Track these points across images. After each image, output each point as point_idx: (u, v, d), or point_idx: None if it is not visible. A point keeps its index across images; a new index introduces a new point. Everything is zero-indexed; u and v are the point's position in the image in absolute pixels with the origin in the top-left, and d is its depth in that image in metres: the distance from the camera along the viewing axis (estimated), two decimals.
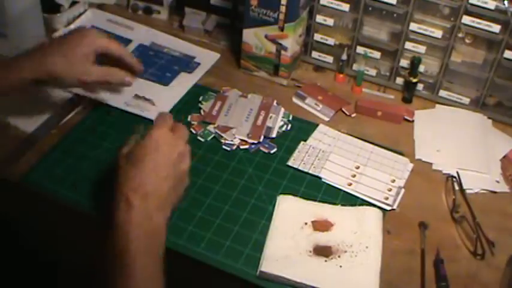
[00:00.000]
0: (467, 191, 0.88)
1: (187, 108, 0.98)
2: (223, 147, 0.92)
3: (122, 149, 0.73)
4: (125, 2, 1.23)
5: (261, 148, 0.92)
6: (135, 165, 0.70)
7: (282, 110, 0.99)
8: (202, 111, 0.98)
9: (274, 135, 0.95)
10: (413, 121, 1.01)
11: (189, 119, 0.96)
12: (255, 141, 0.93)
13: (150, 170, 0.70)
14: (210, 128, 0.95)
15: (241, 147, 0.92)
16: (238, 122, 0.96)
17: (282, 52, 1.03)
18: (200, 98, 1.00)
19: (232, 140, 0.93)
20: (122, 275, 0.64)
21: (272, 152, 0.92)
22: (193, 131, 0.94)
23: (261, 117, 0.97)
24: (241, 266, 0.76)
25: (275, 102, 1.01)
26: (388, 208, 0.85)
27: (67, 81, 0.87)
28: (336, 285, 0.73)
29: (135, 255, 0.65)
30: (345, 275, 0.74)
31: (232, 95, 1.02)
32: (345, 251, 0.77)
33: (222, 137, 0.94)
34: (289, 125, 0.97)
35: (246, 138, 0.93)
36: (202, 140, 0.93)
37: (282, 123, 0.97)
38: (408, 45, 1.02)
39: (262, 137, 0.93)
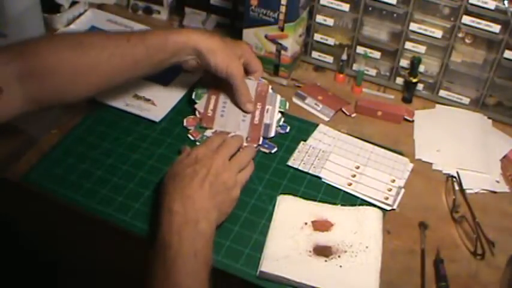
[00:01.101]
0: (467, 191, 0.88)
1: (187, 108, 0.98)
2: None
3: (169, 170, 0.78)
4: (125, 2, 1.23)
5: (261, 149, 0.92)
6: (175, 179, 0.75)
7: (278, 97, 0.97)
8: (197, 112, 0.95)
9: (272, 133, 0.93)
10: (413, 121, 1.01)
11: (185, 124, 0.94)
12: (254, 145, 0.92)
13: (189, 179, 0.74)
14: (208, 133, 0.93)
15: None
16: (236, 125, 0.93)
17: (282, 52, 1.03)
18: (193, 96, 0.97)
19: None
20: (163, 270, 0.68)
21: (273, 151, 0.92)
22: (191, 137, 0.93)
23: (257, 113, 0.94)
24: (241, 266, 0.76)
25: (270, 88, 0.98)
26: (388, 208, 0.85)
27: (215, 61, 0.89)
28: (336, 285, 0.73)
29: (176, 253, 0.68)
30: (345, 275, 0.74)
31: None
32: (345, 251, 0.77)
33: None
34: (288, 127, 0.96)
35: (245, 143, 0.91)
36: None
37: (279, 116, 0.96)
38: (408, 45, 1.02)
39: (261, 139, 0.92)
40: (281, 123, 0.96)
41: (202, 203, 0.73)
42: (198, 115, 0.95)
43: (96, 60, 0.83)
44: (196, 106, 0.96)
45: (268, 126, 0.94)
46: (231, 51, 0.91)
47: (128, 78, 0.89)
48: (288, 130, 0.96)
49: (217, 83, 0.95)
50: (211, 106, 0.95)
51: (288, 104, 0.98)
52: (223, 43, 0.90)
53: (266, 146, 0.93)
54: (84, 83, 0.84)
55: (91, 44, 0.84)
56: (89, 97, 0.89)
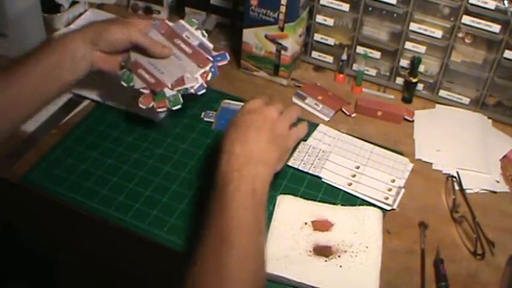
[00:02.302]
0: (467, 191, 0.88)
1: (187, 107, 0.98)
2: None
3: (230, 120, 0.78)
4: (125, 2, 1.23)
5: (219, 64, 0.89)
6: (235, 126, 0.75)
7: (182, 22, 0.91)
8: (143, 90, 0.88)
9: (210, 45, 0.90)
10: (413, 121, 1.01)
11: (142, 105, 0.87)
12: (209, 65, 0.88)
13: (248, 125, 0.75)
14: (168, 92, 0.87)
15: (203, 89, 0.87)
16: (180, 68, 0.88)
17: (282, 52, 1.03)
18: (124, 84, 0.89)
19: (192, 87, 0.86)
20: (220, 207, 0.67)
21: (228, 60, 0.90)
22: (160, 109, 0.87)
23: (183, 46, 0.89)
24: None
25: (168, 22, 0.91)
26: (388, 208, 0.85)
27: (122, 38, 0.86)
28: (336, 285, 0.73)
29: (234, 189, 0.68)
30: (345, 275, 0.74)
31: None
32: (345, 251, 0.77)
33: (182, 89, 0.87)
34: (227, 55, 0.90)
35: (199, 73, 0.86)
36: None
37: (199, 32, 0.90)
38: (408, 45, 1.02)
39: (209, 57, 0.88)
40: (206, 36, 0.91)
41: (261, 147, 0.73)
42: (146, 91, 0.88)
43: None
44: (136, 88, 0.88)
45: (202, 45, 0.90)
46: (106, 25, 0.86)
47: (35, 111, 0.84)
48: (228, 57, 0.90)
49: (128, 57, 0.90)
50: (146, 75, 0.88)
51: (195, 21, 0.92)
52: (97, 26, 0.86)
53: (219, 59, 0.90)
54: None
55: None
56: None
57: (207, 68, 0.88)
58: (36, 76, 0.81)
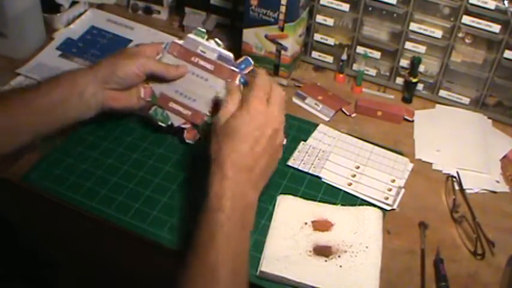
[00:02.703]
0: (467, 191, 0.88)
1: None
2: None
3: (219, 115, 0.73)
4: (125, 2, 1.23)
5: (245, 72, 0.86)
6: (231, 137, 0.70)
7: (192, 35, 0.86)
8: (183, 125, 0.88)
9: (231, 54, 0.85)
10: (413, 121, 1.01)
11: (188, 141, 0.88)
12: (236, 81, 0.84)
13: (246, 145, 0.70)
14: (210, 119, 0.85)
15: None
16: (210, 89, 0.84)
17: (282, 52, 1.03)
18: (162, 124, 0.88)
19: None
20: (208, 235, 0.65)
21: (251, 68, 0.86)
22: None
23: (202, 62, 0.85)
24: None
25: (179, 39, 0.87)
26: (388, 208, 0.85)
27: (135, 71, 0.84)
28: (336, 285, 0.73)
29: (223, 222, 0.65)
30: (345, 275, 0.74)
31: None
32: (345, 251, 0.77)
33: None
34: (251, 61, 0.87)
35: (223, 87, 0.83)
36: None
37: (212, 42, 0.86)
38: (408, 45, 1.02)
39: (233, 68, 0.83)
40: (221, 45, 0.87)
41: (257, 174, 0.71)
42: (187, 125, 0.88)
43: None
44: (175, 126, 0.88)
45: (221, 57, 0.86)
46: (117, 61, 0.84)
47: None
48: (252, 62, 0.87)
49: (151, 91, 0.88)
50: (179, 108, 0.87)
51: (203, 30, 0.88)
52: (108, 64, 0.84)
53: (244, 66, 0.86)
54: None
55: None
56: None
57: (236, 80, 0.84)
58: (37, 109, 0.80)
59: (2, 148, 0.80)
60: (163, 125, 0.87)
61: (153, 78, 0.86)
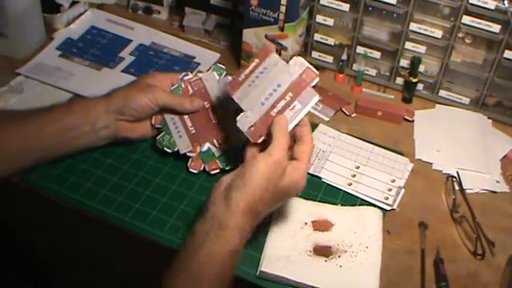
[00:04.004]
0: (467, 191, 0.88)
1: None
2: None
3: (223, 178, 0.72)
4: (125, 2, 1.23)
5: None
6: (242, 184, 0.68)
7: (316, 98, 0.74)
8: (187, 154, 0.86)
9: None
10: (413, 121, 1.01)
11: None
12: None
13: (267, 206, 0.70)
14: (216, 151, 0.86)
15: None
16: (254, 102, 0.75)
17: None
18: (166, 150, 0.87)
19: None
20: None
21: None
22: (213, 172, 0.86)
23: (281, 104, 0.74)
24: (241, 266, 0.76)
25: (314, 82, 0.74)
26: (388, 208, 0.85)
27: (149, 106, 0.84)
28: (336, 285, 0.73)
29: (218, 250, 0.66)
30: (345, 275, 0.74)
31: (273, 57, 0.78)
32: (345, 251, 0.77)
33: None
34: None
35: (247, 131, 0.74)
36: None
37: (300, 118, 0.73)
38: (408, 45, 1.02)
39: (261, 138, 0.74)
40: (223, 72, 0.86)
41: (260, 218, 0.71)
42: (192, 154, 0.86)
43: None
44: (181, 152, 0.86)
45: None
46: (130, 93, 0.84)
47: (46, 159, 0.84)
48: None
49: (162, 119, 0.87)
50: (247, 70, 0.78)
51: (223, 67, 0.89)
52: (122, 95, 0.84)
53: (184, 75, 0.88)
54: None
55: None
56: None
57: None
58: (49, 135, 0.81)
59: (3, 171, 0.81)
60: (169, 151, 0.87)
61: (166, 109, 0.86)
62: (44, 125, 0.81)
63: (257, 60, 0.77)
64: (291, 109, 0.73)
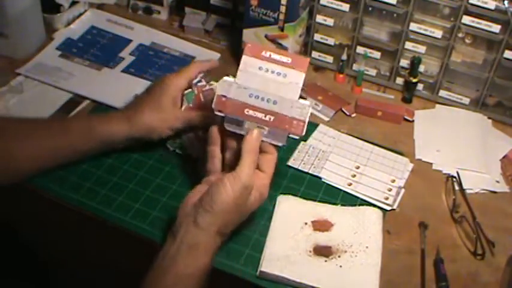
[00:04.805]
0: (467, 191, 0.88)
1: None
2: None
3: (190, 196, 0.73)
4: (125, 2, 1.23)
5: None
6: (212, 209, 0.69)
7: (280, 144, 0.75)
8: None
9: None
10: (413, 121, 1.01)
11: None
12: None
13: (234, 216, 0.72)
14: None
15: None
16: (247, 84, 0.74)
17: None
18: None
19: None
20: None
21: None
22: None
23: (259, 114, 0.74)
24: (241, 266, 0.76)
25: (294, 135, 0.74)
26: (388, 208, 0.85)
27: (161, 132, 0.84)
28: (336, 285, 0.73)
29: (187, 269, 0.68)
30: (345, 275, 0.74)
31: (300, 74, 0.75)
32: (345, 251, 0.77)
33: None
34: None
35: (217, 96, 0.73)
36: None
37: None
38: (408, 45, 1.02)
39: (219, 113, 0.74)
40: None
41: (225, 237, 0.73)
42: None
43: (9, 147, 0.80)
44: (195, 156, 0.86)
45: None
46: (163, 109, 0.83)
47: (51, 166, 0.84)
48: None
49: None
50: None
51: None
52: (149, 108, 0.83)
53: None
54: None
55: (2, 130, 0.81)
56: (7, 184, 0.81)
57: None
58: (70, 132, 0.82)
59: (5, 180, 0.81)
60: (180, 152, 0.88)
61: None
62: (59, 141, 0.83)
63: (289, 59, 0.74)
64: (259, 126, 0.73)
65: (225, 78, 0.74)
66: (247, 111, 0.73)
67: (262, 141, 0.73)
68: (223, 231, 0.71)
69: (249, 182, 0.70)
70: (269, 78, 0.73)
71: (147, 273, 0.69)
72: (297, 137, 0.73)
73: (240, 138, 0.73)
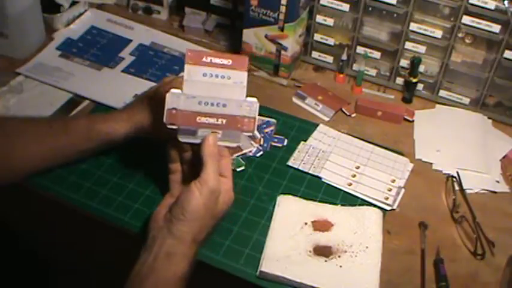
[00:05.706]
0: (467, 191, 0.88)
1: None
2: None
3: (160, 208, 0.74)
4: (125, 2, 1.23)
5: (273, 144, 0.93)
6: (185, 218, 0.70)
7: (234, 145, 0.75)
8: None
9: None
10: (413, 121, 1.01)
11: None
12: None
13: (211, 228, 0.73)
14: None
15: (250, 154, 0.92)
16: (194, 92, 0.74)
17: (282, 52, 1.03)
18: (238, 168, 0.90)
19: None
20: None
21: (284, 144, 0.93)
22: None
23: (211, 120, 0.74)
24: (241, 266, 0.76)
25: (247, 133, 0.75)
26: (388, 208, 0.85)
27: (161, 132, 0.81)
28: (336, 285, 0.73)
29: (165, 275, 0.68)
30: (345, 275, 0.74)
31: (242, 73, 0.75)
32: (345, 251, 0.77)
33: None
34: (285, 141, 0.94)
35: (168, 109, 0.73)
36: None
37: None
38: (408, 45, 1.02)
39: (172, 126, 0.73)
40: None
41: (207, 231, 0.73)
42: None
43: (9, 146, 0.80)
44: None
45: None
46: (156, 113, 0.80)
47: (51, 166, 0.84)
48: (285, 143, 0.94)
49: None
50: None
51: (243, 162, 0.90)
52: (148, 112, 0.82)
53: (276, 140, 0.94)
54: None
55: (2, 129, 0.81)
56: (7, 183, 0.81)
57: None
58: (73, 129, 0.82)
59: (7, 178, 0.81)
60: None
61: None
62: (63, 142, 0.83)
63: (230, 61, 0.74)
64: (213, 131, 0.74)
65: (172, 90, 0.73)
66: (199, 119, 0.73)
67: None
68: (198, 238, 0.71)
69: (216, 185, 0.70)
70: (214, 83, 0.74)
71: (124, 283, 0.69)
72: (250, 134, 0.75)
73: (195, 148, 0.75)
